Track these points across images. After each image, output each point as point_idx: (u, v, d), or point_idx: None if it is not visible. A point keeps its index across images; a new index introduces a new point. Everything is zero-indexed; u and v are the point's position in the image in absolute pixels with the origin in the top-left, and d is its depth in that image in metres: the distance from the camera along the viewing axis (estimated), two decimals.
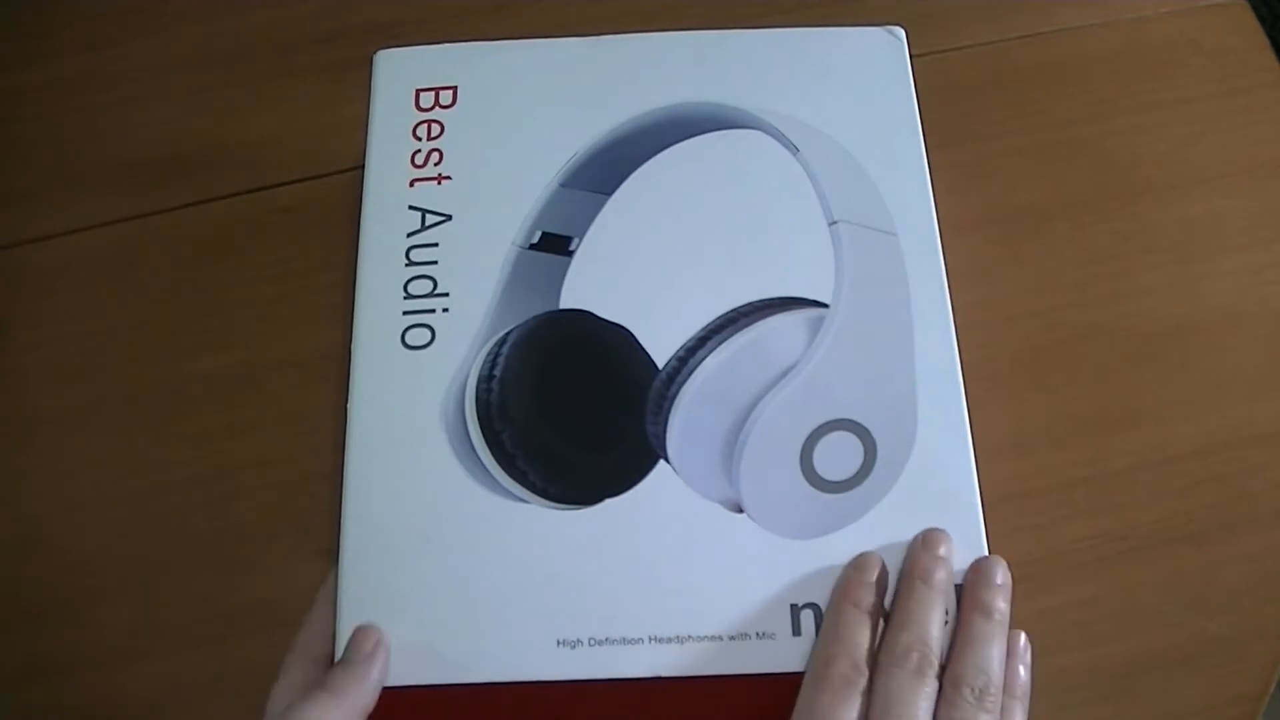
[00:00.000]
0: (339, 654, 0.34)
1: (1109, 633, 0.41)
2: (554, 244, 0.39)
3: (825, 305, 0.38)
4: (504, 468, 0.36)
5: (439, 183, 0.40)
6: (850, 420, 0.36)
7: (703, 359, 0.37)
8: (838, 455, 0.36)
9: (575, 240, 0.39)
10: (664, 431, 0.36)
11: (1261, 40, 0.52)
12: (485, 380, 0.37)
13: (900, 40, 0.43)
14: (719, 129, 0.41)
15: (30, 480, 0.43)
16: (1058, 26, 0.52)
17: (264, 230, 0.47)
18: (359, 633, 0.34)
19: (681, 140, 0.41)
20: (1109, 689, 0.40)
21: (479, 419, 0.36)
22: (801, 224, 0.39)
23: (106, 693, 0.40)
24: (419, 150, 0.41)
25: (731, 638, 0.34)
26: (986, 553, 0.35)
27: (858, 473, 0.36)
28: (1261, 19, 0.53)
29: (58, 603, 0.41)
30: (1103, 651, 0.41)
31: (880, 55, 0.43)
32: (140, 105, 0.50)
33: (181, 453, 0.43)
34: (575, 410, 0.37)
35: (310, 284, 0.46)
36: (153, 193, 0.48)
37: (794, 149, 0.40)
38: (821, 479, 0.36)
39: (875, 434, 0.36)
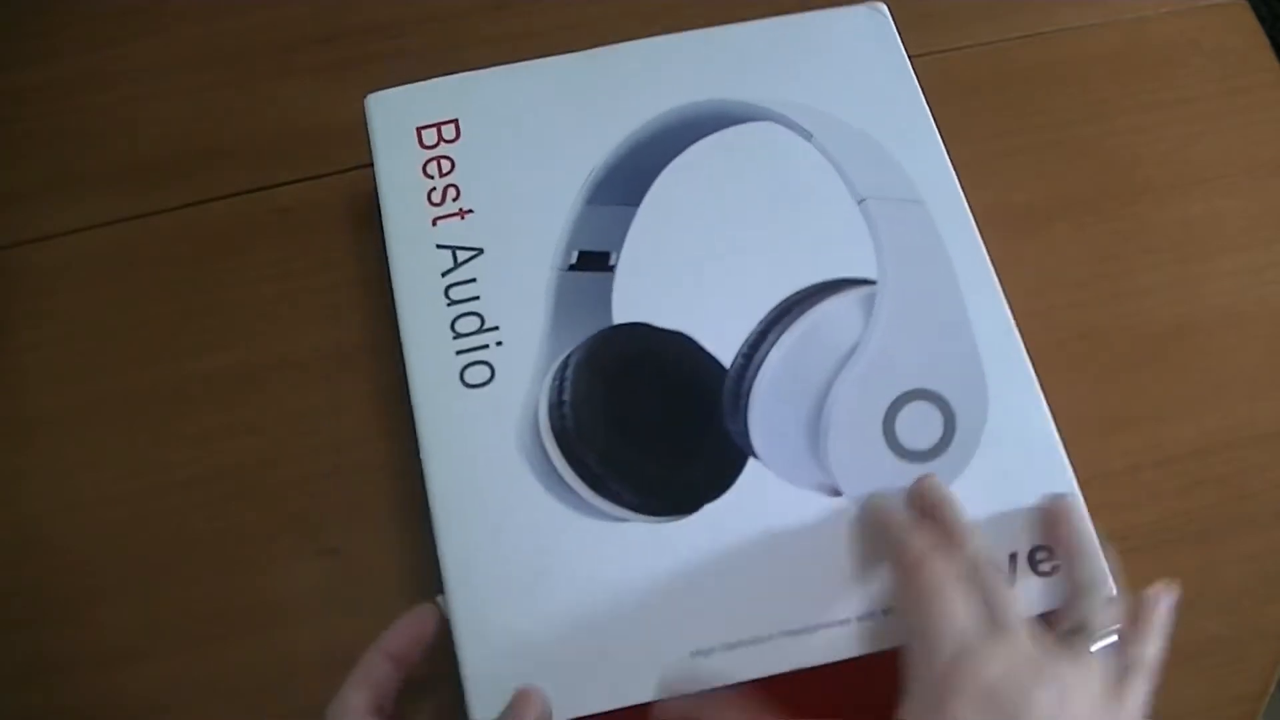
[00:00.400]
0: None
1: None
2: (593, 261, 0.39)
3: (872, 282, 0.38)
4: (596, 490, 0.36)
5: (462, 217, 0.40)
6: (923, 389, 0.37)
7: (767, 352, 0.37)
8: (918, 424, 0.36)
9: (614, 254, 0.39)
10: (746, 429, 0.37)
11: (1261, 40, 0.52)
12: (556, 406, 0.37)
13: (883, 14, 0.44)
14: (730, 125, 0.41)
15: (30, 480, 0.43)
16: (1058, 26, 0.52)
17: (264, 230, 0.47)
18: (520, 697, 0.33)
19: (695, 141, 0.41)
20: None
21: (560, 446, 0.36)
22: (830, 206, 0.40)
23: (106, 693, 0.40)
24: (434, 188, 0.40)
25: (859, 618, 0.34)
26: (1077, 491, 0.36)
27: (941, 438, 0.36)
28: (1261, 19, 0.53)
29: (58, 603, 0.41)
30: None
31: (867, 31, 0.43)
32: (140, 105, 0.50)
33: (181, 453, 0.43)
34: (653, 422, 0.37)
35: (310, 284, 0.46)
36: (153, 193, 0.48)
37: (807, 134, 0.40)
38: (907, 450, 0.36)
39: (949, 398, 0.37)
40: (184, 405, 0.44)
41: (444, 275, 0.39)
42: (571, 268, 0.39)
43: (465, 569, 0.35)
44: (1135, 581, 0.41)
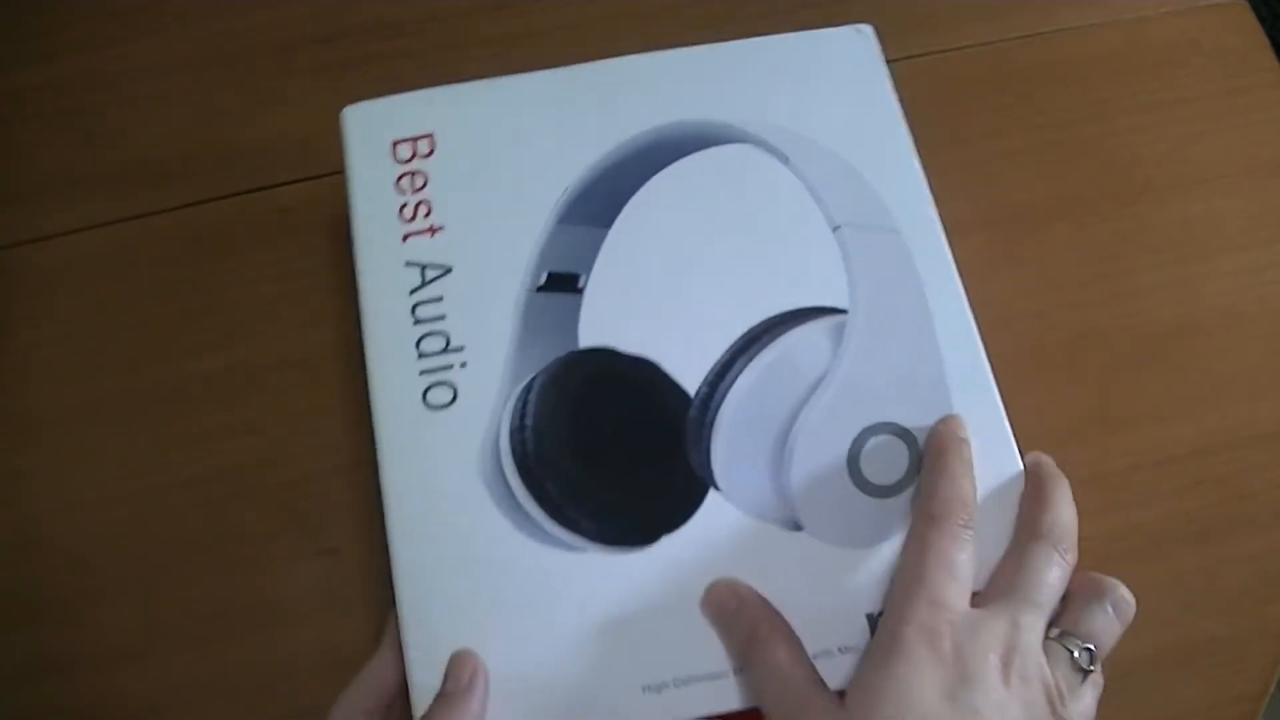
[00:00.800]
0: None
1: None
2: (562, 283, 0.38)
3: (843, 312, 0.37)
4: (554, 518, 0.35)
5: (432, 235, 0.39)
6: (889, 423, 0.36)
7: (733, 382, 0.36)
8: (884, 459, 0.36)
9: (583, 277, 0.38)
10: (708, 460, 0.36)
11: (1261, 40, 0.52)
12: (518, 431, 0.36)
13: (868, 37, 0.43)
14: (706, 147, 0.40)
15: (30, 480, 0.43)
16: (1058, 26, 0.52)
17: (264, 230, 0.47)
18: (456, 661, 0.33)
19: (670, 163, 0.40)
20: (1109, 689, 0.40)
21: (519, 471, 0.36)
22: (804, 232, 0.39)
23: (106, 693, 0.40)
24: (405, 203, 0.39)
25: (815, 656, 0.33)
26: None
27: (907, 473, 0.36)
28: (1261, 19, 0.53)
29: (58, 603, 0.41)
30: None
31: (852, 54, 0.42)
32: (140, 105, 0.50)
33: (181, 453, 0.43)
34: (615, 450, 0.36)
35: (310, 284, 0.46)
36: (153, 193, 0.48)
37: (784, 158, 0.40)
38: (872, 485, 0.35)
39: (916, 433, 0.36)
40: (184, 405, 0.44)
41: (411, 293, 0.38)
42: (540, 289, 0.38)
43: (418, 590, 0.35)
44: (1136, 582, 0.42)
